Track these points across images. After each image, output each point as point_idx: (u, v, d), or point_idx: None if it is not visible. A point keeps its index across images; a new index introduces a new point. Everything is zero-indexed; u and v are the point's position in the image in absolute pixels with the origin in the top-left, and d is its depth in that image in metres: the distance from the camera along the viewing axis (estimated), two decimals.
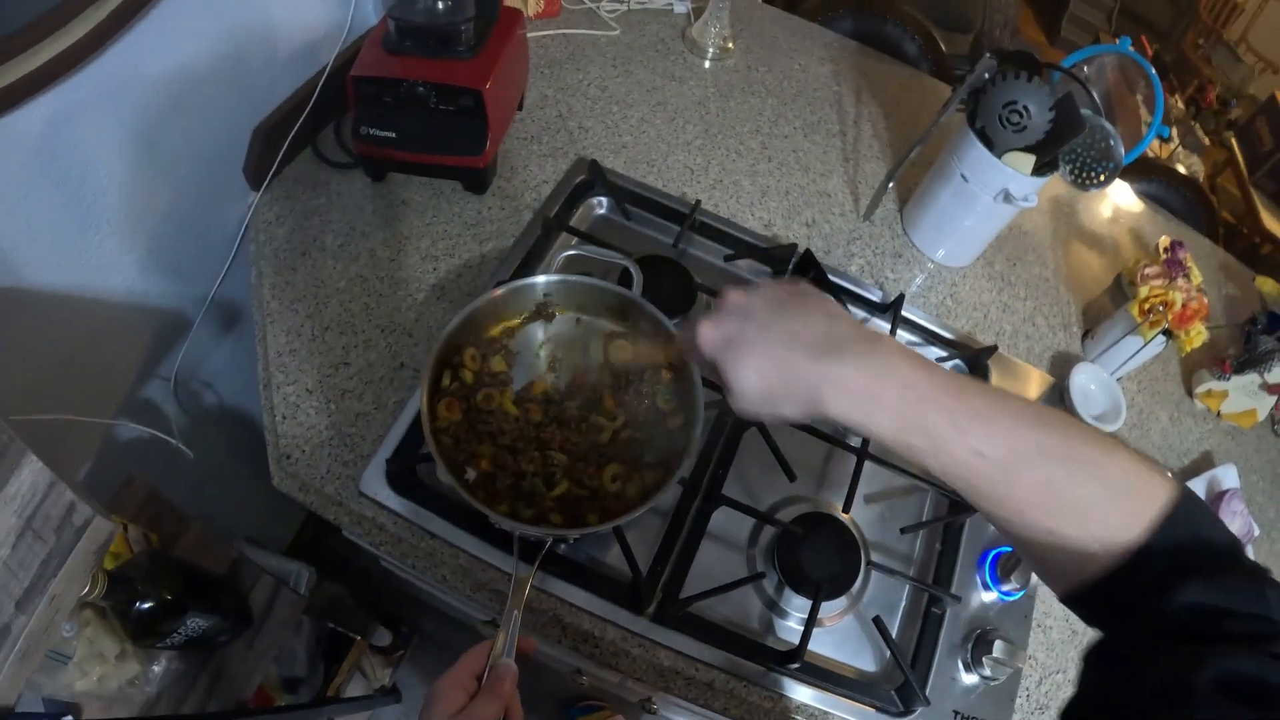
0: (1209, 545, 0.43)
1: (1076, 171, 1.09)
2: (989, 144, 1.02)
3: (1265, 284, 1.31)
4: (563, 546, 0.82)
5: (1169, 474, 0.45)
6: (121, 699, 0.83)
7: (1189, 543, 0.42)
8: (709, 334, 0.54)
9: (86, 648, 0.79)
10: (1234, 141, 2.80)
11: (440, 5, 0.90)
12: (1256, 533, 1.06)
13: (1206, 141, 2.95)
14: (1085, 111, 1.01)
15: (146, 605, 0.75)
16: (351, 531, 0.83)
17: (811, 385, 0.48)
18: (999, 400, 0.47)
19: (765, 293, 0.53)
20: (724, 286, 0.55)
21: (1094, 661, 0.44)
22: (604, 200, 1.08)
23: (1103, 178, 1.06)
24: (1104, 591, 0.44)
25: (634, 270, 0.83)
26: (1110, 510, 0.43)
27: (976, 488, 0.46)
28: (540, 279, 0.77)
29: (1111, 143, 1.04)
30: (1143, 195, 1.51)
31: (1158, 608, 0.40)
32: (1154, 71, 1.08)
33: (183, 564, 0.83)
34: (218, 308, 1.05)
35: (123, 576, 0.74)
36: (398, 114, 0.93)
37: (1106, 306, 1.24)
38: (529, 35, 1.24)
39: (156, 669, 0.85)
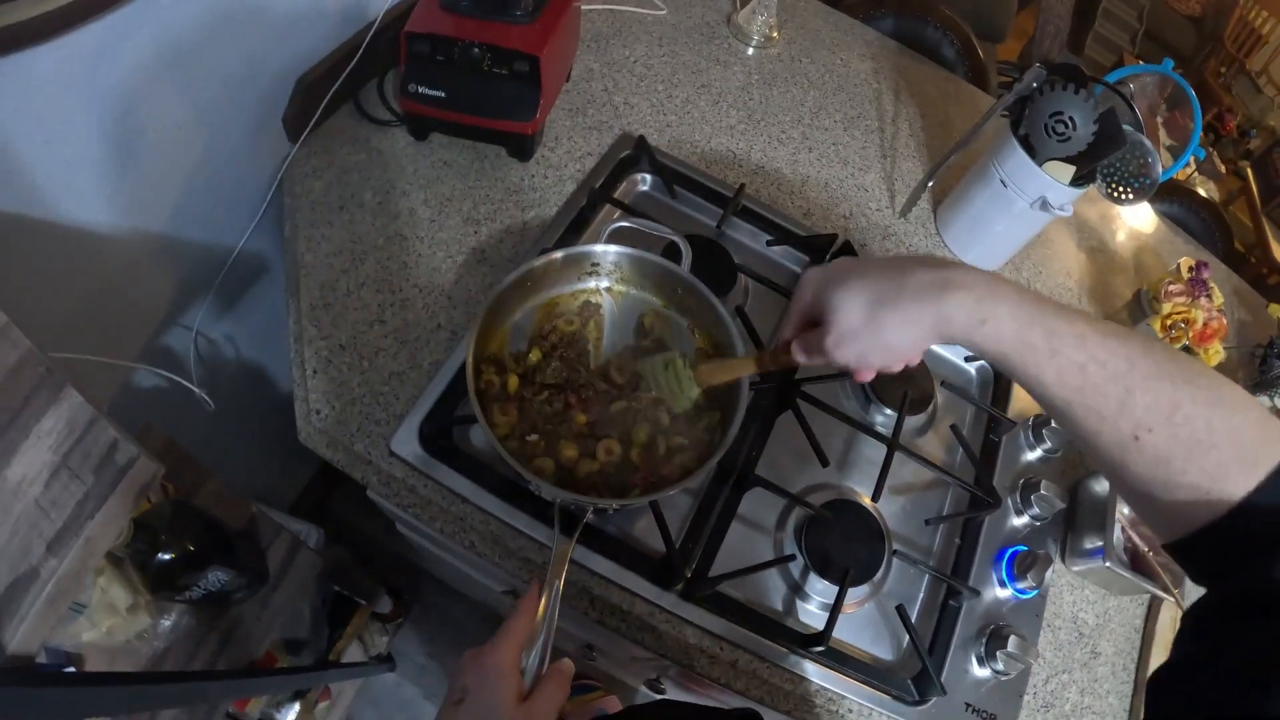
0: None
1: (1111, 185, 1.11)
2: (1030, 152, 1.03)
3: (1278, 310, 1.33)
4: (601, 516, 0.82)
5: None
6: (127, 651, 0.80)
7: None
8: (813, 273, 0.56)
9: (99, 597, 0.75)
10: (1249, 171, 2.85)
11: None
12: None
13: (1223, 170, 2.99)
14: (1127, 127, 1.02)
15: (168, 556, 0.73)
16: (379, 492, 0.82)
17: (929, 284, 0.48)
18: (1111, 324, 0.46)
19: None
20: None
21: (1190, 624, 0.43)
22: (647, 177, 1.07)
23: (1130, 195, 1.07)
24: (1206, 544, 0.43)
25: (683, 246, 0.82)
26: (1230, 447, 0.41)
27: (1091, 404, 0.44)
28: (599, 248, 0.76)
29: (1150, 160, 1.05)
30: (1162, 215, 1.53)
31: (1256, 573, 0.40)
32: (1194, 95, 1.09)
33: (205, 516, 0.80)
34: (245, 260, 1.03)
35: (146, 525, 0.72)
36: (449, 73, 0.92)
37: (1125, 321, 1.25)
38: None
39: (166, 623, 0.83)
